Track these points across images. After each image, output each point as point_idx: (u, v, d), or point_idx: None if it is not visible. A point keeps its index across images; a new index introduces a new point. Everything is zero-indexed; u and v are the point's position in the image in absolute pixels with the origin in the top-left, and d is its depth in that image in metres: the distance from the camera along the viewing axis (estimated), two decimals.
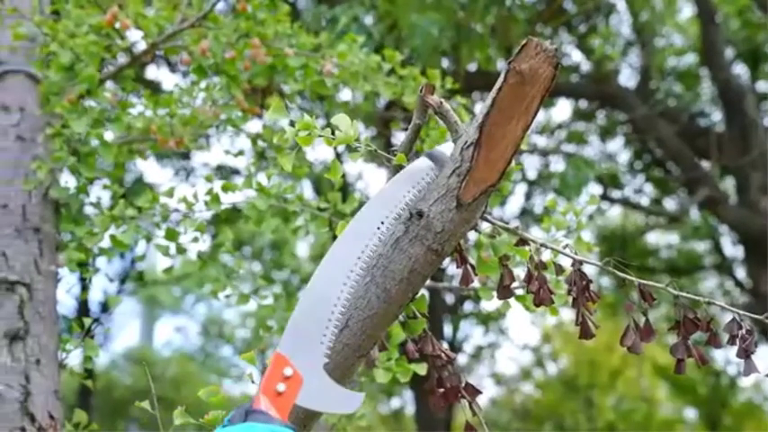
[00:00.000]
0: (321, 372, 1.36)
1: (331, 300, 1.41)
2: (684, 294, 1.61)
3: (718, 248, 11.91)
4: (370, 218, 1.49)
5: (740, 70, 10.22)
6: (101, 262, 2.99)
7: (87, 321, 2.79)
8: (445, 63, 6.81)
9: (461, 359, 13.23)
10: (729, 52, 9.86)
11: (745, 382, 13.72)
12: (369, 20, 5.02)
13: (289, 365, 1.33)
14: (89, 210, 3.21)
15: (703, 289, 11.88)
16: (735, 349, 1.57)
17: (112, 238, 2.81)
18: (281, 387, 1.30)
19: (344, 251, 1.46)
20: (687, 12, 10.29)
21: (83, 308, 9.42)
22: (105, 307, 11.16)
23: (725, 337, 1.59)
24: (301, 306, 1.41)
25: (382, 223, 1.48)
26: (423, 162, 1.54)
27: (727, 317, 1.60)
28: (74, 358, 2.82)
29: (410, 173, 1.53)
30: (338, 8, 5.06)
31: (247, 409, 1.25)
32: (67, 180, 3.05)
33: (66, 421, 2.65)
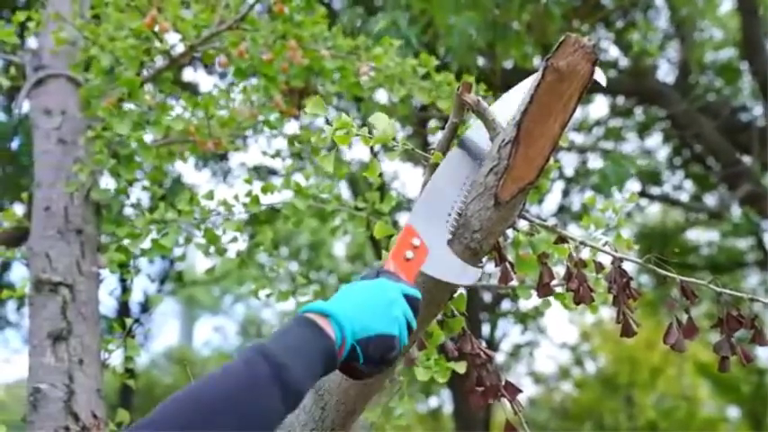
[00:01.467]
0: (445, 245, 1.47)
1: (456, 185, 1.51)
2: (727, 291, 1.59)
3: (760, 245, 11.72)
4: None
5: None
6: (141, 262, 3.02)
7: (128, 321, 2.82)
8: (481, 61, 6.79)
9: (499, 358, 13.18)
10: None
11: None
12: (404, 22, 5.01)
13: (417, 236, 1.43)
14: (129, 211, 3.26)
15: (746, 286, 11.71)
16: None
17: (155, 242, 2.84)
18: (410, 254, 1.41)
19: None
20: (727, 5, 10.14)
21: (124, 308, 9.53)
22: (145, 307, 11.29)
23: None
24: (431, 186, 1.51)
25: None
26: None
27: None
28: (115, 358, 2.86)
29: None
30: (379, 14, 5.07)
31: (379, 269, 1.36)
32: (108, 182, 3.09)
33: (108, 420, 2.68)
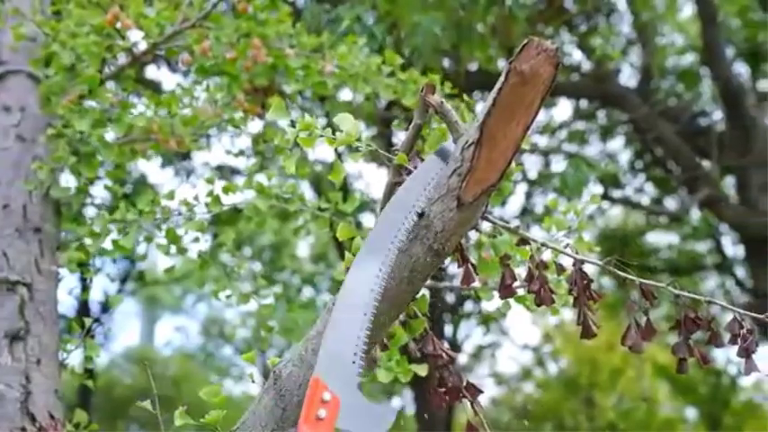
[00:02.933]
0: (357, 392, 1.37)
1: (358, 320, 1.42)
2: (685, 294, 1.61)
3: (718, 248, 11.89)
4: (383, 232, 1.49)
5: (741, 69, 10.21)
6: (101, 262, 2.99)
7: (88, 321, 2.79)
8: (446, 63, 6.81)
9: (462, 359, 13.23)
10: (730, 51, 9.85)
11: (746, 381, 13.73)
12: (370, 19, 5.01)
13: (326, 390, 1.34)
14: (90, 210, 3.22)
15: (704, 289, 11.87)
16: (736, 348, 1.57)
17: (114, 242, 2.81)
18: (322, 413, 1.32)
19: (365, 270, 1.46)
20: (688, 11, 10.28)
21: (83, 308, 9.41)
22: (106, 307, 11.15)
23: (726, 336, 1.59)
24: (331, 330, 1.42)
25: (399, 231, 1.48)
26: (431, 161, 1.54)
27: (728, 316, 1.60)
28: (74, 358, 2.83)
29: (419, 176, 1.54)
30: (341, 8, 5.05)
31: None
32: (68, 180, 3.05)
33: (66, 421, 2.65)
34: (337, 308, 1.44)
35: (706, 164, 9.69)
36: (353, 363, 1.39)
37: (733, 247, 11.64)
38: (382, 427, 1.37)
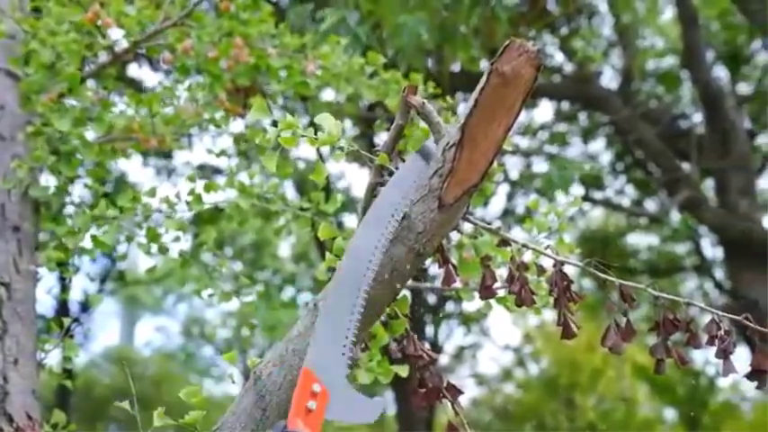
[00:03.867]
0: (346, 383, 1.41)
1: (347, 315, 1.44)
2: (664, 295, 1.62)
3: (697, 250, 11.98)
4: (368, 235, 1.49)
5: (720, 73, 10.29)
6: (81, 261, 2.97)
7: (67, 321, 2.77)
8: (429, 63, 6.81)
9: (443, 359, 13.24)
10: (710, 54, 9.93)
11: (724, 382, 13.82)
12: (354, 19, 5.01)
13: (316, 381, 1.37)
14: (70, 209, 3.19)
15: (683, 290, 11.95)
16: (714, 350, 1.58)
17: (94, 238, 2.79)
18: (312, 404, 1.36)
19: (352, 270, 1.47)
20: (668, 14, 10.35)
21: (62, 307, 9.34)
22: (85, 306, 11.08)
23: (704, 337, 1.60)
24: (321, 323, 1.44)
25: (382, 235, 1.49)
26: (413, 161, 1.54)
27: (707, 318, 1.61)
28: (53, 358, 2.81)
29: (400, 176, 1.54)
30: (327, 9, 5.05)
31: (283, 428, 1.32)
32: (48, 179, 3.02)
33: (44, 421, 2.63)
34: (327, 303, 1.47)
35: (686, 166, 9.75)
36: (343, 355, 1.41)
37: (712, 249, 11.74)
38: (371, 417, 1.41)
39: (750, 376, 1.56)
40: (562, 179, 6.70)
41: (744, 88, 10.70)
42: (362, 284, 1.46)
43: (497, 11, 5.43)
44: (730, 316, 1.58)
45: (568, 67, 10.29)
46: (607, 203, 11.72)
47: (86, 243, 2.80)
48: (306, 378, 1.38)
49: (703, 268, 11.87)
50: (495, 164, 1.49)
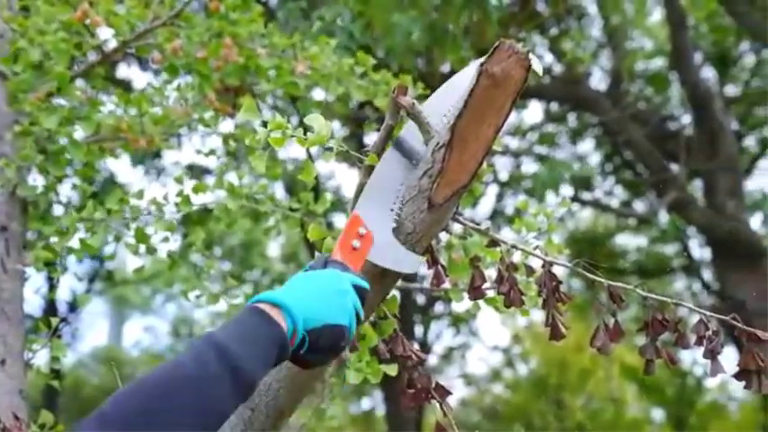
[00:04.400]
0: (390, 234, 1.48)
1: (398, 178, 1.52)
2: (653, 296, 1.62)
3: (686, 251, 12.03)
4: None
5: (708, 74, 10.34)
6: (69, 261, 2.95)
7: (54, 321, 2.76)
8: (419, 63, 6.82)
9: (432, 360, 13.25)
10: (698, 56, 9.97)
11: (711, 382, 13.89)
12: (346, 19, 5.01)
13: (363, 225, 1.46)
14: (58, 209, 3.18)
15: (671, 291, 12.00)
16: (702, 350, 1.58)
17: (82, 241, 2.78)
18: (356, 243, 1.44)
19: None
20: (657, 16, 10.40)
21: (50, 307, 9.30)
22: (73, 306, 11.03)
23: (692, 338, 1.60)
24: (375, 176, 1.53)
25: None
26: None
27: (696, 318, 1.62)
28: (40, 358, 2.79)
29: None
30: (323, 9, 5.06)
31: (326, 259, 1.37)
32: (36, 178, 3.01)
33: (31, 422, 2.61)
34: (379, 169, 1.54)
35: (674, 167, 9.79)
36: (391, 211, 1.49)
37: (700, 250, 11.79)
38: (410, 267, 1.50)
39: (737, 376, 1.57)
40: (551, 178, 6.72)
41: (731, 90, 10.76)
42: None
43: (489, 10, 5.44)
44: (718, 316, 1.59)
45: (558, 69, 10.32)
46: (596, 204, 11.76)
47: (74, 243, 2.79)
48: (354, 221, 1.46)
49: (691, 269, 11.92)
50: (484, 164, 1.50)
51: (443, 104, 1.53)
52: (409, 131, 1.57)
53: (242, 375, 1.07)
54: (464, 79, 1.50)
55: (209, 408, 1.02)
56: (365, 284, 1.35)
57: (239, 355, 1.07)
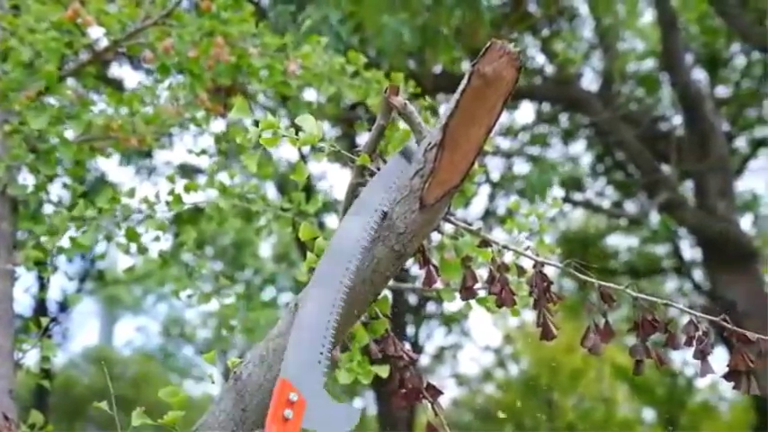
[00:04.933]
0: (323, 392, 1.40)
1: (323, 323, 1.43)
2: (643, 296, 1.62)
3: (676, 251, 12.06)
4: (349, 233, 1.49)
5: (699, 75, 10.37)
6: (60, 260, 2.94)
7: (45, 321, 2.75)
8: (411, 64, 6.82)
9: (424, 360, 13.25)
10: (689, 57, 10.00)
11: (702, 382, 13.93)
12: (335, 19, 5.01)
13: (293, 390, 1.37)
14: (48, 208, 3.17)
15: (663, 291, 12.03)
16: (692, 350, 1.59)
17: (72, 239, 2.77)
18: (289, 413, 1.35)
19: (329, 272, 1.46)
20: (648, 17, 10.42)
21: (40, 307, 9.26)
22: (64, 306, 10.99)
23: (682, 338, 1.60)
24: (296, 332, 1.43)
25: (364, 230, 1.48)
26: (395, 162, 1.54)
27: (686, 319, 1.62)
28: (30, 358, 2.78)
29: (383, 177, 1.54)
30: (309, 8, 5.05)
31: None
32: (26, 178, 3.00)
33: (21, 422, 2.60)
34: (302, 309, 1.45)
35: (665, 168, 9.82)
36: (319, 363, 1.41)
37: (691, 251, 11.82)
38: (347, 426, 1.40)
39: (727, 377, 1.57)
40: (541, 182, 6.73)
41: (722, 91, 10.79)
42: (344, 280, 1.45)
43: (481, 12, 5.45)
44: (708, 317, 1.59)
45: (549, 69, 10.34)
46: (587, 205, 11.78)
47: (65, 242, 2.79)
48: (282, 387, 1.37)
49: (682, 269, 11.96)
50: (476, 165, 1.50)
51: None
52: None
53: None
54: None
55: None
56: None
57: None
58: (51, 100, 3.00)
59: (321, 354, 1.41)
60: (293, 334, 1.43)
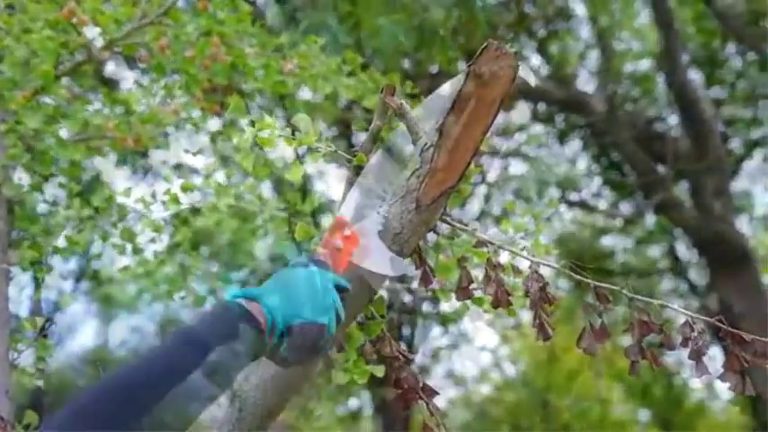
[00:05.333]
0: (376, 237, 1.48)
1: (385, 181, 1.53)
2: (638, 297, 1.62)
3: (672, 252, 12.06)
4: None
5: (695, 76, 10.38)
6: (55, 260, 2.94)
7: (40, 321, 2.74)
8: (407, 65, 6.82)
9: (420, 360, 13.24)
10: (685, 58, 10.00)
11: (698, 383, 13.93)
12: (332, 20, 5.01)
13: (348, 227, 1.45)
14: (43, 207, 3.16)
15: (659, 292, 12.03)
16: (687, 351, 1.59)
17: (68, 238, 2.77)
18: (340, 244, 1.42)
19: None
20: (644, 17, 10.42)
21: (36, 307, 9.25)
22: (59, 306, 10.96)
23: (678, 339, 1.61)
24: (362, 180, 1.54)
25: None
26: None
27: (682, 319, 1.62)
28: (26, 358, 2.78)
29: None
30: (307, 11, 5.04)
31: (309, 258, 1.35)
32: (21, 177, 2.99)
33: (16, 422, 2.60)
34: (368, 165, 1.55)
35: (661, 168, 9.82)
36: (378, 213, 1.49)
37: (686, 251, 11.83)
38: (392, 272, 1.48)
39: (722, 378, 1.57)
40: (537, 183, 6.74)
41: (718, 92, 10.80)
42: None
43: (477, 13, 5.44)
44: (704, 318, 1.60)
45: (545, 70, 10.34)
46: (583, 205, 11.78)
47: (61, 242, 2.78)
48: (339, 222, 1.45)
49: (678, 270, 11.97)
50: (472, 165, 1.50)
51: (431, 113, 1.53)
52: (399, 136, 1.58)
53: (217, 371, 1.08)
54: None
55: (181, 401, 1.04)
56: (346, 285, 1.34)
57: (212, 344, 1.08)
58: (47, 99, 2.99)
59: (381, 206, 1.49)
60: (356, 185, 1.53)
